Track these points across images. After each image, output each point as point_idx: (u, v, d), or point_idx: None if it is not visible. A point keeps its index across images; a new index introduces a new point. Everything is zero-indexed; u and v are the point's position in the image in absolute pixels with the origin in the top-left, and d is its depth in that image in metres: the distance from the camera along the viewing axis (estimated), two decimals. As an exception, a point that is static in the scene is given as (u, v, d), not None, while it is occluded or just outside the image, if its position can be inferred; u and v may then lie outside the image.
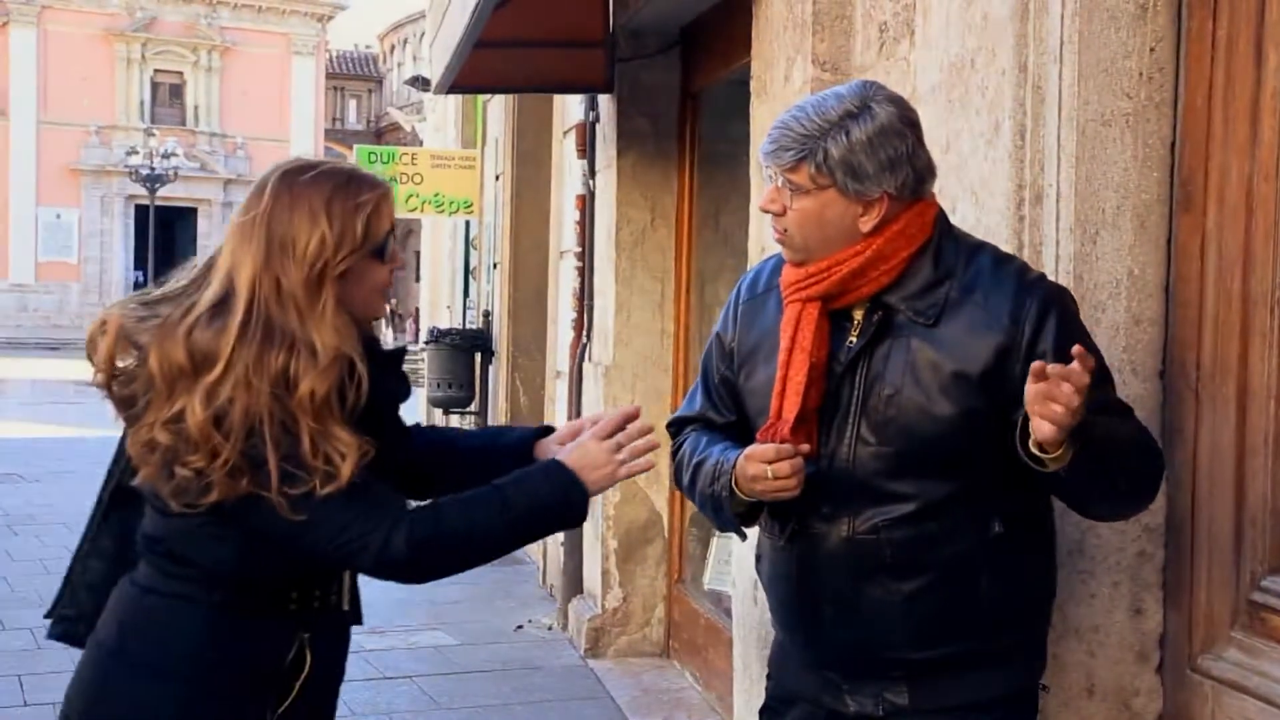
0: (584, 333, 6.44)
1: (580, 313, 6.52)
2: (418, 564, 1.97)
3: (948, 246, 2.09)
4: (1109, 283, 2.55)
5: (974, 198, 2.80)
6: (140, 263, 43.25)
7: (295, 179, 1.97)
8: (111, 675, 2.01)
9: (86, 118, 43.87)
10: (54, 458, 12.89)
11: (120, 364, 1.97)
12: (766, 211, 2.11)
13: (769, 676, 2.38)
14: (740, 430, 2.24)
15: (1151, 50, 2.55)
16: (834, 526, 2.09)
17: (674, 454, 2.34)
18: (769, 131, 2.08)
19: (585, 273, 6.45)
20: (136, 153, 38.80)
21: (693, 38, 5.75)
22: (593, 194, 6.33)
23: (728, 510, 2.15)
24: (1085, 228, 2.54)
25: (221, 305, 1.92)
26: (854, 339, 2.09)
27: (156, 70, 45.73)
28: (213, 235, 45.58)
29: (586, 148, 6.37)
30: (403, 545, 1.92)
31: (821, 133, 2.01)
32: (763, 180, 2.15)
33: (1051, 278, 2.56)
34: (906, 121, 2.06)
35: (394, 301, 25.78)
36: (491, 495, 2.01)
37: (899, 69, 3.30)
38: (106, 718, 2.01)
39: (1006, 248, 2.65)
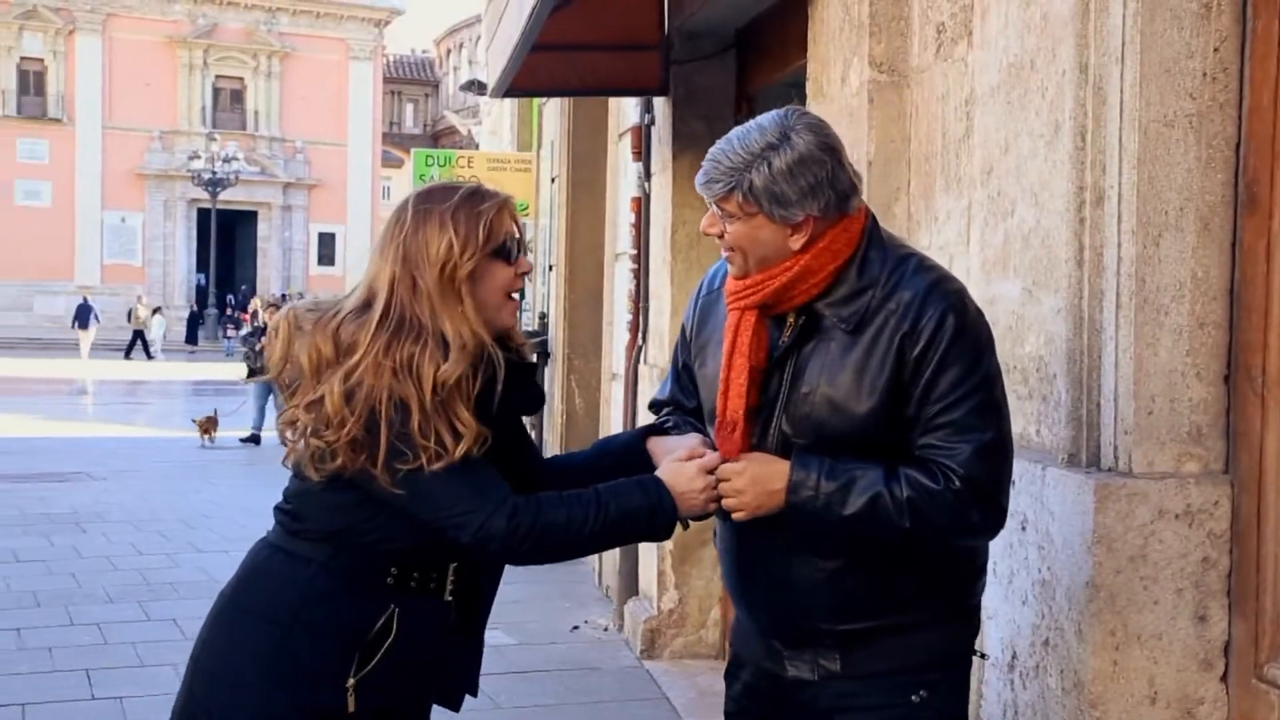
0: (639, 335, 6.45)
1: (635, 315, 6.54)
2: (512, 549, 2.15)
3: (874, 257, 2.22)
4: (1172, 286, 2.52)
5: (1033, 199, 2.78)
6: (202, 265, 43.91)
7: (425, 198, 2.26)
8: (224, 615, 2.30)
9: (150, 123, 44.56)
10: (121, 457, 13.12)
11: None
12: (708, 234, 2.26)
13: (731, 641, 2.55)
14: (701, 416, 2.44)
15: (1215, 50, 2.52)
16: None
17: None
18: (703, 163, 2.22)
19: (640, 275, 6.46)
20: (198, 157, 39.36)
21: (748, 40, 5.74)
22: (648, 196, 6.34)
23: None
24: (1148, 230, 2.52)
25: (364, 306, 2.21)
26: (785, 339, 2.25)
27: (218, 76, 46.37)
28: (272, 238, 46.34)
29: (642, 150, 6.37)
30: (501, 529, 2.12)
31: (746, 165, 2.15)
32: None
33: (1113, 280, 2.55)
34: (824, 148, 2.18)
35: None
36: (590, 497, 2.19)
37: (956, 70, 3.28)
38: (215, 650, 2.29)
39: (1066, 250, 2.63)
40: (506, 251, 2.24)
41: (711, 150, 2.22)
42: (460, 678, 2.39)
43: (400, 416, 2.10)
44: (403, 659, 2.23)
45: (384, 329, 2.15)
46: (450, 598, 2.29)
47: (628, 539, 2.32)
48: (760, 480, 2.19)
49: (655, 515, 2.20)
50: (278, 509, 2.33)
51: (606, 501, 2.18)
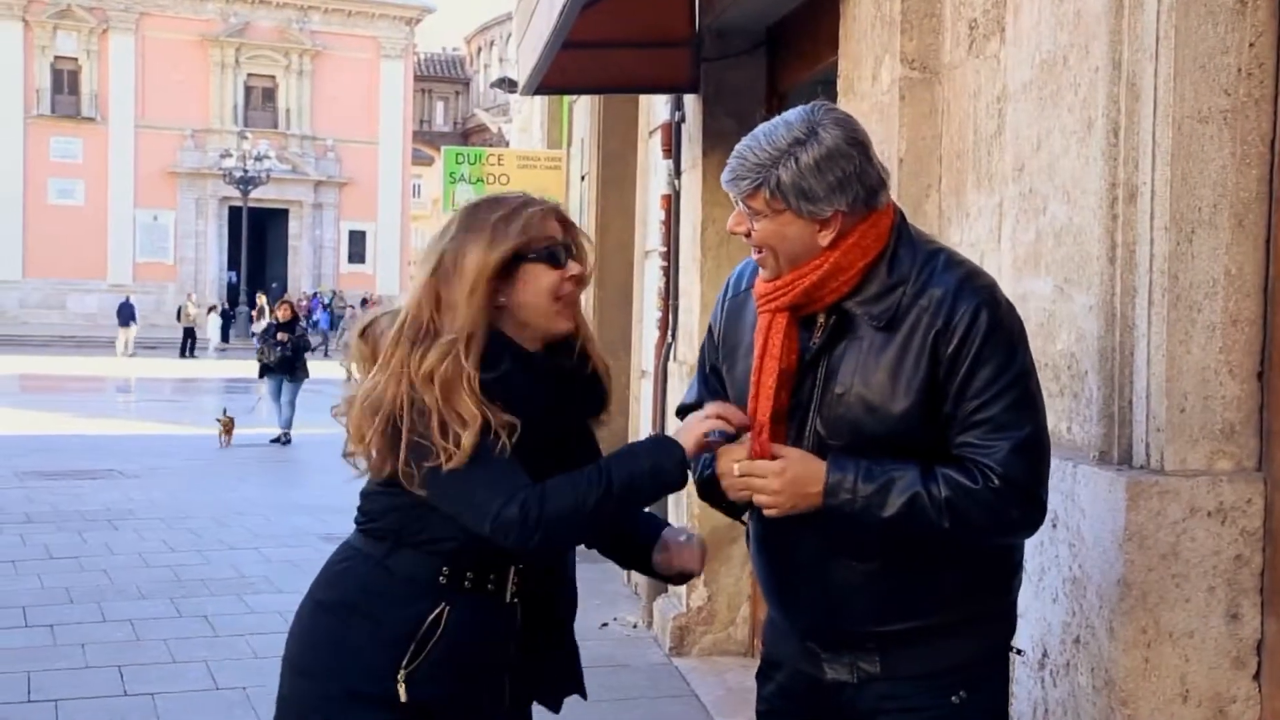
0: (669, 332, 6.45)
1: (665, 312, 6.54)
2: (526, 537, 2.18)
3: (904, 253, 2.20)
4: (1205, 282, 2.51)
5: (1065, 196, 2.77)
6: (234, 263, 44.22)
7: (469, 211, 2.34)
8: (302, 609, 2.45)
9: (182, 121, 44.90)
10: (153, 454, 13.23)
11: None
12: (734, 234, 2.24)
13: (764, 641, 2.53)
14: None
15: (1251, 45, 2.50)
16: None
17: None
18: (729, 160, 2.21)
19: (670, 272, 6.46)
20: (230, 155, 39.63)
21: (779, 37, 5.74)
22: (678, 194, 6.34)
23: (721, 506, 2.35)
24: (1181, 226, 2.50)
25: (396, 313, 2.33)
26: (816, 340, 2.23)
27: (250, 74, 46.69)
28: (303, 236, 46.60)
29: (672, 148, 6.38)
30: (514, 518, 2.16)
31: (773, 161, 2.14)
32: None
33: (1145, 277, 2.54)
34: (852, 142, 2.16)
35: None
36: (592, 472, 2.22)
37: (989, 66, 3.27)
38: (293, 640, 2.43)
39: (1098, 247, 2.62)
40: (550, 255, 2.29)
41: (737, 147, 2.21)
42: (552, 679, 2.47)
43: (422, 420, 2.19)
44: (454, 656, 2.29)
45: (404, 338, 2.25)
46: (515, 600, 2.35)
47: (642, 501, 2.33)
48: (798, 481, 2.16)
49: (659, 469, 2.21)
50: (357, 510, 2.45)
51: (608, 472, 2.21)
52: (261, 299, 35.62)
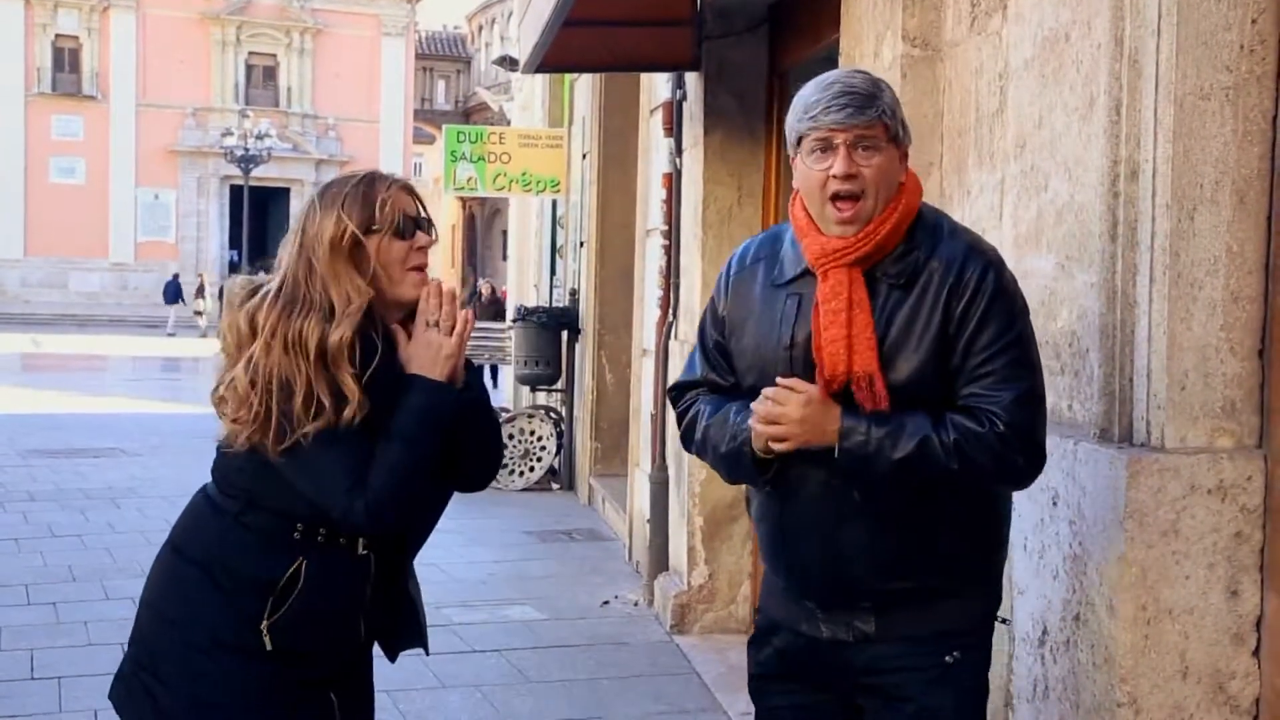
0: (670, 311, 6.45)
1: (666, 291, 6.54)
2: (379, 521, 2.30)
3: (916, 221, 2.32)
4: (1206, 260, 2.51)
5: (1067, 173, 2.76)
6: (235, 242, 44.12)
7: (325, 188, 2.43)
8: (163, 556, 2.50)
9: (183, 100, 44.78)
10: (155, 433, 13.24)
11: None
12: (848, 177, 2.23)
13: (758, 610, 2.60)
14: (739, 392, 2.43)
15: (1253, 22, 2.49)
16: (814, 470, 2.30)
17: (680, 417, 2.55)
18: (826, 101, 2.22)
19: (671, 251, 6.45)
20: (231, 134, 39.48)
21: (781, 15, 5.72)
22: (679, 172, 6.33)
23: (747, 462, 2.34)
24: (1182, 204, 2.50)
25: (278, 290, 2.36)
26: None
27: (251, 53, 46.50)
28: (305, 215, 46.50)
29: (673, 126, 6.36)
30: (361, 508, 2.27)
31: (877, 87, 2.27)
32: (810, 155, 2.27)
33: (1147, 255, 2.54)
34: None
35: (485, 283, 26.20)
36: (391, 442, 2.29)
37: (991, 44, 3.26)
38: (154, 584, 2.49)
39: (1100, 224, 2.62)
40: (399, 228, 2.38)
41: (834, 86, 2.23)
42: (390, 628, 2.53)
43: (285, 394, 2.25)
44: (314, 607, 2.36)
45: (277, 305, 2.30)
46: (365, 551, 2.40)
47: (441, 434, 2.35)
48: (815, 415, 2.24)
49: (432, 405, 2.29)
50: (212, 466, 2.49)
51: (402, 430, 2.28)
52: (203, 276, 35.69)
